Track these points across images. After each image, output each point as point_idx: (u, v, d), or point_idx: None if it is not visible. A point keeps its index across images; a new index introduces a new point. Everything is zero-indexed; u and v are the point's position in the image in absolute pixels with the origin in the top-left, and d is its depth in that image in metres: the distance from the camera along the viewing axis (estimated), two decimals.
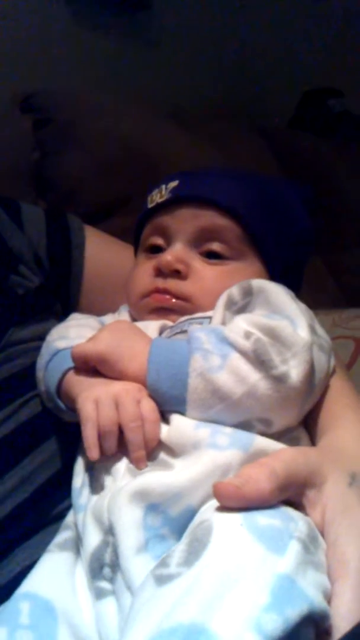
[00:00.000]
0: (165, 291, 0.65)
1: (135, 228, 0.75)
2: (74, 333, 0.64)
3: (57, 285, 0.82)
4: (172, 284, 0.65)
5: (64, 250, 0.83)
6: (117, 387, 0.54)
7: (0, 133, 1.20)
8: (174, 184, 0.69)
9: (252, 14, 2.19)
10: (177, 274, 0.65)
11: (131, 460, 0.52)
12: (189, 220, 0.67)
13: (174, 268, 0.65)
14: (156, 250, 0.69)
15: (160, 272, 0.66)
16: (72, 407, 0.57)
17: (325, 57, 2.47)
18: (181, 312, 0.65)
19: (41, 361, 0.63)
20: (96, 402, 0.53)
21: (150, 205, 0.70)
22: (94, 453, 0.52)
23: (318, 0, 2.48)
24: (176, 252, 0.66)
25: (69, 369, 0.58)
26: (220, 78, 2.10)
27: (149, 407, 0.53)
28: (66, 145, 1.28)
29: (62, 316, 0.75)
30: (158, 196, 0.69)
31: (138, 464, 0.52)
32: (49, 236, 0.82)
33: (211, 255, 0.66)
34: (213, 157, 1.52)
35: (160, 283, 0.66)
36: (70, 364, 0.58)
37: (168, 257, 0.65)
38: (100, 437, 0.52)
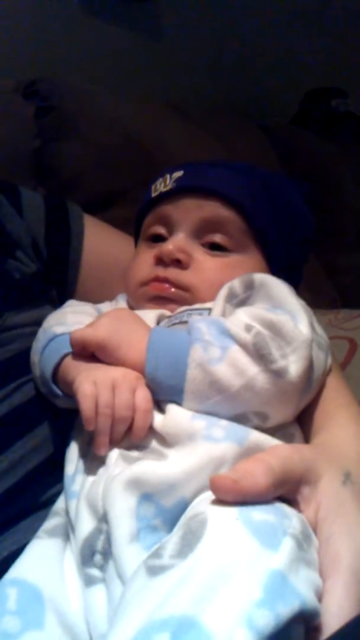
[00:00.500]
0: (165, 280, 0.65)
1: (137, 217, 0.75)
2: (71, 319, 0.63)
3: (55, 272, 0.81)
4: (172, 273, 0.65)
5: (63, 237, 0.82)
6: (115, 372, 0.54)
7: (2, 120, 1.19)
8: (178, 174, 0.69)
9: (255, 12, 2.18)
10: (178, 263, 0.65)
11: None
12: (192, 210, 0.66)
13: (175, 257, 0.65)
14: (158, 239, 0.69)
15: (161, 261, 0.66)
16: (67, 392, 0.57)
17: (326, 57, 2.47)
18: (180, 302, 0.65)
19: (37, 345, 0.62)
20: (94, 384, 0.53)
21: (153, 195, 0.70)
22: (92, 424, 0.52)
23: None
24: (178, 241, 0.66)
25: (65, 355, 0.58)
26: (222, 75, 2.10)
27: (143, 396, 0.53)
28: (67, 134, 1.27)
29: (58, 303, 0.74)
30: (162, 185, 0.69)
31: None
32: (48, 223, 0.82)
33: (213, 247, 0.66)
34: (214, 151, 1.52)
35: (161, 272, 0.66)
36: (68, 349, 0.57)
37: (170, 246, 0.65)
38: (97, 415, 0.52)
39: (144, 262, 0.68)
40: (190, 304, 0.64)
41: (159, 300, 0.65)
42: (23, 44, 1.42)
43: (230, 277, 0.63)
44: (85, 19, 1.60)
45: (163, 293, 0.65)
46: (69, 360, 0.58)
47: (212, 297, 0.63)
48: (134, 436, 0.52)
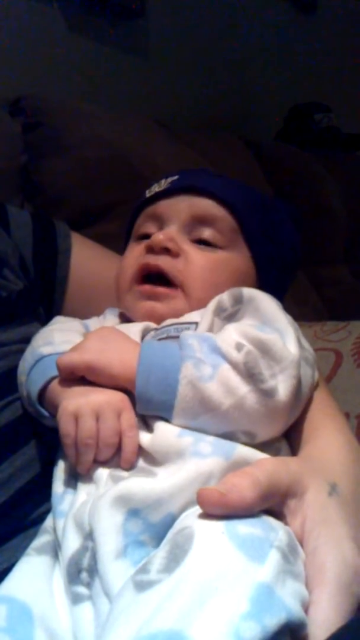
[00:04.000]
0: (155, 268, 0.65)
1: (129, 219, 0.75)
2: (58, 338, 0.63)
3: (42, 289, 0.82)
4: (163, 260, 0.65)
5: (50, 255, 0.83)
6: (98, 398, 0.54)
7: None
8: (174, 177, 0.70)
9: (243, 29, 2.21)
10: (167, 252, 0.65)
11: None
12: (184, 208, 0.68)
13: (164, 245, 0.65)
14: (148, 237, 0.69)
15: (151, 250, 0.66)
16: (54, 412, 0.57)
17: (312, 72, 2.50)
18: (171, 301, 0.65)
19: (24, 366, 0.62)
20: (75, 416, 0.53)
21: (148, 195, 0.71)
22: (72, 458, 0.53)
23: (308, 14, 2.52)
24: (168, 232, 0.66)
25: (52, 378, 0.58)
26: (207, 91, 2.11)
27: (128, 421, 0.53)
28: (54, 151, 1.28)
29: (45, 320, 0.74)
30: (157, 187, 0.70)
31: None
32: (35, 240, 0.82)
33: (202, 243, 0.67)
34: (199, 167, 1.53)
35: (151, 259, 0.66)
36: (55, 371, 0.57)
37: (160, 235, 0.66)
38: (78, 451, 0.52)
39: (134, 256, 0.68)
40: (182, 303, 0.64)
41: (151, 298, 0.65)
42: (10, 60, 1.42)
43: (218, 274, 0.64)
44: (73, 35, 1.61)
45: (155, 291, 0.65)
46: (55, 385, 0.57)
47: (202, 297, 0.63)
48: (124, 462, 0.52)
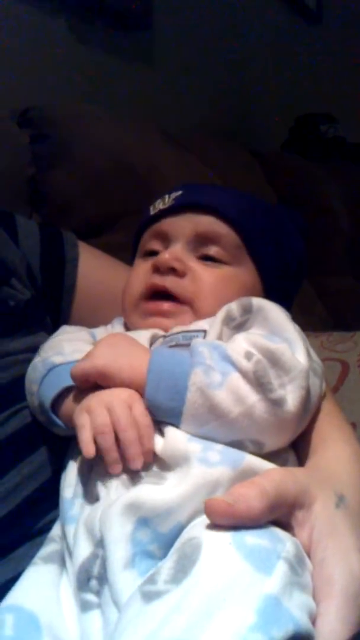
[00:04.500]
0: (163, 289, 0.65)
1: (135, 236, 0.75)
2: (68, 348, 0.63)
3: (49, 298, 0.82)
4: (170, 281, 0.65)
5: (58, 264, 0.83)
6: (106, 394, 0.54)
7: None
8: (177, 193, 0.70)
9: (248, 38, 2.22)
10: (174, 272, 0.65)
11: (127, 460, 0.52)
12: (188, 225, 0.68)
13: (171, 265, 0.65)
14: (154, 254, 0.69)
15: (157, 270, 0.66)
16: (68, 423, 0.58)
17: (318, 83, 2.51)
18: (180, 317, 0.65)
19: (35, 375, 0.62)
20: (88, 411, 0.53)
21: (152, 212, 0.71)
22: (90, 449, 0.52)
23: (313, 25, 2.53)
24: (174, 251, 0.67)
25: (65, 388, 0.58)
26: (214, 101, 2.13)
27: (139, 410, 0.53)
28: (61, 161, 1.28)
29: (52, 330, 0.75)
30: (161, 204, 0.70)
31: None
32: (43, 250, 0.82)
33: (208, 259, 0.67)
34: (205, 176, 1.54)
35: (158, 279, 0.66)
36: (68, 381, 0.57)
37: (166, 255, 0.66)
38: (96, 439, 0.52)
39: (140, 274, 0.69)
40: (190, 318, 0.65)
41: (158, 315, 0.66)
42: (18, 71, 1.43)
43: (226, 289, 0.65)
44: (79, 46, 1.62)
45: (162, 308, 0.65)
46: (70, 398, 0.58)
47: (211, 310, 0.64)
48: (145, 454, 0.52)
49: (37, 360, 0.64)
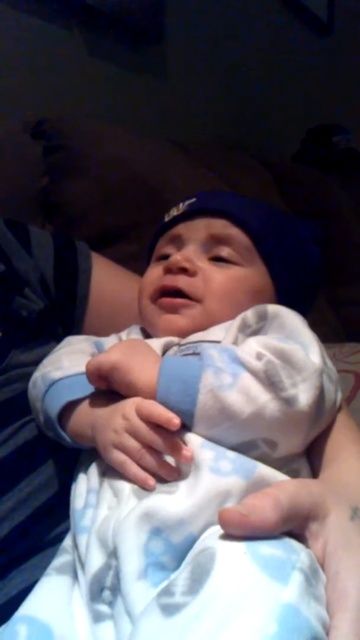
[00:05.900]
0: (174, 288, 0.67)
1: (150, 244, 0.77)
2: (67, 362, 0.63)
3: (62, 309, 0.82)
4: (181, 280, 0.67)
5: (71, 274, 0.84)
6: (117, 421, 0.54)
7: (11, 159, 1.21)
8: (191, 200, 0.72)
9: (260, 51, 2.23)
10: (185, 272, 0.67)
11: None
12: (201, 228, 0.70)
13: (182, 266, 0.67)
14: (167, 258, 0.70)
15: (169, 271, 0.68)
16: (77, 440, 0.58)
17: (330, 94, 2.52)
18: (191, 313, 0.66)
19: (37, 392, 0.63)
20: (115, 446, 0.54)
21: (167, 219, 0.73)
22: (148, 480, 0.52)
23: (324, 37, 2.54)
24: (185, 253, 0.68)
25: (68, 402, 0.59)
26: (226, 113, 2.14)
27: (149, 404, 0.53)
28: (74, 172, 1.30)
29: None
30: (175, 211, 0.73)
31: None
32: (56, 260, 0.83)
33: (219, 260, 0.69)
34: (217, 188, 1.54)
35: (170, 280, 0.67)
36: (70, 396, 0.58)
37: (177, 256, 0.67)
38: (140, 465, 0.53)
39: (154, 276, 0.70)
40: (201, 316, 0.65)
41: (171, 311, 0.67)
42: (32, 84, 1.45)
43: (237, 289, 0.66)
44: (92, 59, 1.64)
45: (175, 302, 0.66)
46: (75, 411, 0.59)
47: (220, 311, 0.65)
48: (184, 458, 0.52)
49: (37, 375, 0.64)
